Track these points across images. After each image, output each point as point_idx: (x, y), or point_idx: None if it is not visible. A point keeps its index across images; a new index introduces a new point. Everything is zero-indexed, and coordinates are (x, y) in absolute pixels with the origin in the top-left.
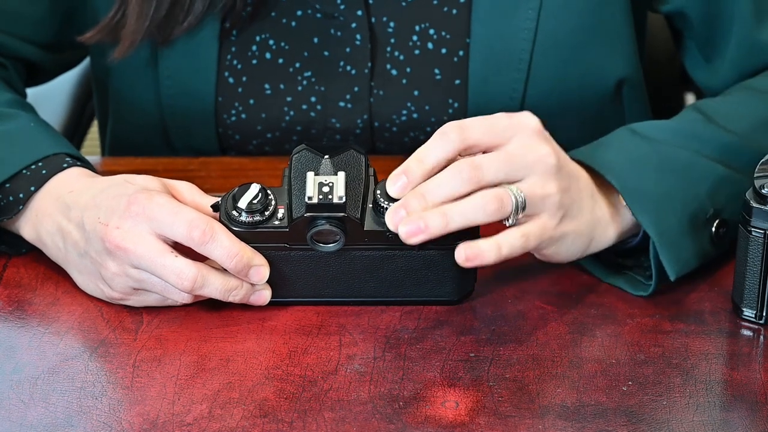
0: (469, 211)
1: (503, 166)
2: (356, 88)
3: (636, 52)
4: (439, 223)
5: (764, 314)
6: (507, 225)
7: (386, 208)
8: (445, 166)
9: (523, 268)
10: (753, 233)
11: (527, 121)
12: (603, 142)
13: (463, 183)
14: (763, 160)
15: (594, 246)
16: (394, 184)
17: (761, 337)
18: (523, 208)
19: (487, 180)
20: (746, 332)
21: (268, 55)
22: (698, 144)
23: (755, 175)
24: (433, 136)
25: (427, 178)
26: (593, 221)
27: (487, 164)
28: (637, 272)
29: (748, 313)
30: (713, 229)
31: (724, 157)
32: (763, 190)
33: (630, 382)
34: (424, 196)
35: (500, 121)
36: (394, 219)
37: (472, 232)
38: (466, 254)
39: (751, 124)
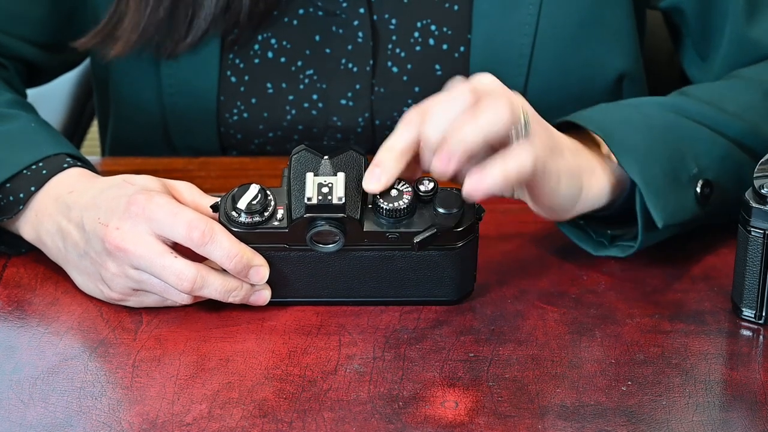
0: (465, 129)
1: (473, 119)
2: (358, 86)
3: (637, 47)
4: (461, 145)
5: (764, 314)
6: (511, 140)
7: (386, 209)
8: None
9: (523, 268)
10: (752, 233)
11: (486, 79)
12: (589, 108)
13: (413, 127)
14: (762, 160)
15: (585, 196)
16: (370, 179)
17: (761, 337)
18: (527, 124)
19: (440, 126)
20: (746, 332)
21: (270, 54)
22: (684, 112)
23: (755, 175)
24: (397, 126)
25: (401, 165)
26: (579, 167)
27: (456, 121)
28: (626, 239)
29: (748, 313)
30: (698, 189)
31: (708, 122)
32: (762, 190)
33: (629, 382)
34: (387, 147)
35: (462, 92)
36: (369, 178)
37: (472, 232)
38: (473, 181)
39: (736, 105)
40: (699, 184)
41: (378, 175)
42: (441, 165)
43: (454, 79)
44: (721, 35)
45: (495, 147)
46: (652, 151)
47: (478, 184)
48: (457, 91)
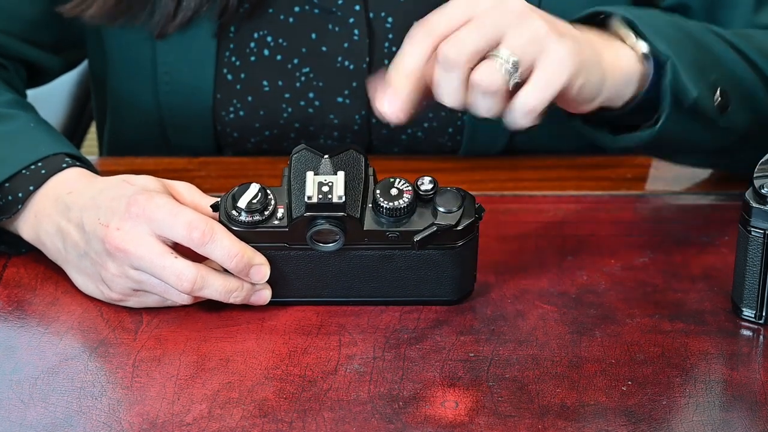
0: (479, 102)
1: (478, 32)
2: (354, 84)
3: None
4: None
5: (764, 314)
6: (510, 87)
7: (386, 208)
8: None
9: (523, 268)
10: (752, 233)
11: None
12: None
13: (428, 35)
14: (762, 160)
15: (608, 85)
16: (384, 99)
17: (761, 337)
18: (516, 66)
19: (471, 49)
20: (746, 332)
21: (266, 52)
22: (709, 27)
23: (755, 175)
24: (402, 44)
25: (414, 86)
26: (597, 54)
27: (464, 34)
28: (645, 127)
29: (748, 313)
30: (717, 95)
31: (734, 41)
32: (762, 190)
33: (630, 382)
34: (397, 66)
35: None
36: (385, 103)
37: (472, 231)
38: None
39: (760, 42)
40: (718, 92)
41: (393, 97)
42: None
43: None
44: (729, 25)
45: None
46: (681, 42)
47: (529, 115)
48: (462, 4)
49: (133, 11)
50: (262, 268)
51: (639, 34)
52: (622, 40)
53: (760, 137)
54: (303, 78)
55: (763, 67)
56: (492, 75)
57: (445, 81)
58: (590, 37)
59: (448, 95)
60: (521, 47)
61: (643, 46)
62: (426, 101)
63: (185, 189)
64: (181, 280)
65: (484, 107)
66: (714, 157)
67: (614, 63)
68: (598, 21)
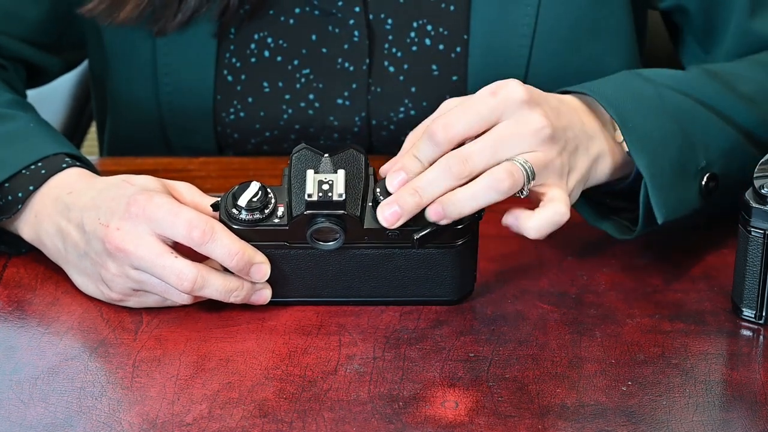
0: (480, 194)
1: (493, 151)
2: (354, 85)
3: (636, 49)
4: (454, 211)
5: (764, 314)
6: (521, 197)
7: None
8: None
9: (523, 268)
10: (752, 233)
11: (513, 94)
12: (606, 79)
13: (453, 178)
14: (762, 160)
15: (590, 182)
16: (393, 179)
17: (761, 337)
18: (533, 176)
19: (478, 169)
20: (746, 332)
21: (266, 53)
22: (700, 94)
23: (755, 175)
24: (422, 137)
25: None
26: (591, 161)
27: (476, 154)
28: (624, 216)
29: (748, 313)
30: (703, 182)
31: (720, 108)
32: (762, 190)
33: (630, 382)
34: (419, 193)
35: (485, 104)
36: (387, 213)
37: (472, 230)
38: (537, 231)
39: (753, 88)
40: (705, 177)
41: (403, 181)
42: (434, 217)
43: (482, 95)
44: (725, 29)
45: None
46: (664, 141)
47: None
48: (486, 113)
49: (160, 15)
50: (262, 267)
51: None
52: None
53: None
54: (303, 79)
55: (751, 126)
56: (514, 175)
57: (442, 182)
58: (586, 128)
59: (463, 202)
60: (536, 163)
61: (626, 144)
62: None
63: (185, 189)
64: (181, 280)
65: (484, 199)
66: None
67: (603, 166)
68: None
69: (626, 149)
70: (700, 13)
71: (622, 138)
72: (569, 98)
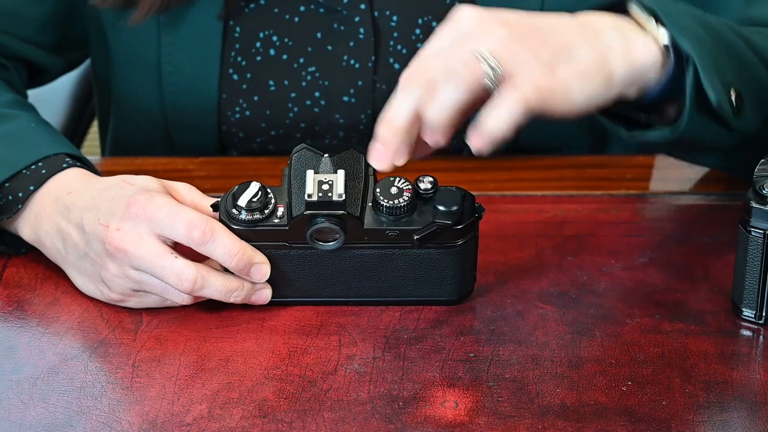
0: (446, 96)
1: (449, 47)
2: (360, 82)
3: None
4: (436, 125)
5: (764, 314)
6: (492, 89)
7: (386, 207)
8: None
9: (523, 268)
10: (753, 233)
11: (461, 15)
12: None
13: (416, 91)
14: (763, 160)
15: (616, 80)
16: (374, 157)
17: (761, 337)
18: (497, 67)
19: (439, 72)
20: (746, 332)
21: (272, 52)
22: (724, 21)
23: (755, 175)
24: (394, 95)
25: (404, 139)
26: (601, 54)
27: (430, 58)
28: (660, 127)
29: (748, 313)
30: (732, 96)
31: (751, 40)
32: (763, 191)
33: (629, 382)
34: (391, 121)
35: (441, 37)
36: (373, 156)
37: (472, 230)
38: (474, 140)
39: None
40: (732, 93)
41: (383, 154)
42: (429, 140)
43: (436, 35)
44: (722, 16)
45: (483, 98)
46: (704, 40)
47: (479, 144)
48: (446, 47)
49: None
50: (262, 267)
51: (661, 23)
52: (642, 27)
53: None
54: (309, 77)
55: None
56: (470, 63)
57: (409, 98)
58: (588, 25)
59: (430, 110)
60: (501, 51)
61: (664, 37)
62: (427, 150)
63: (185, 189)
64: (181, 280)
65: (447, 99)
66: (724, 158)
67: (625, 55)
68: (618, 10)
69: (663, 42)
70: (698, 4)
71: (655, 27)
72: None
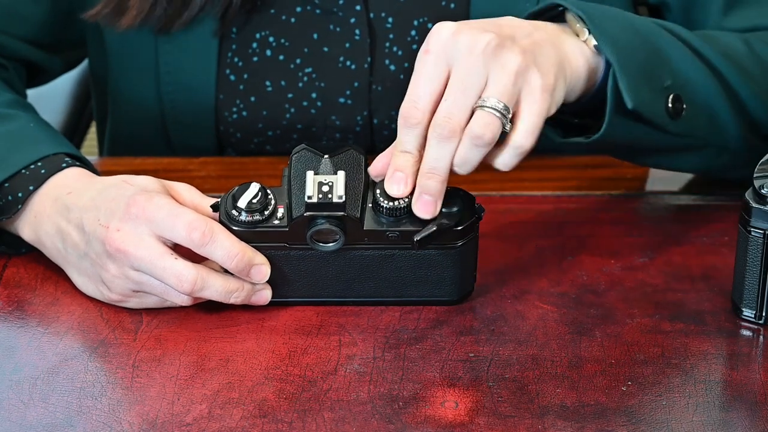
0: (470, 155)
1: (463, 96)
2: (356, 84)
3: None
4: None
5: (764, 314)
6: (507, 131)
7: (386, 208)
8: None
9: (523, 268)
10: (752, 233)
11: (441, 36)
12: None
13: (450, 141)
14: (762, 160)
15: (569, 81)
16: (393, 183)
17: (761, 337)
18: (508, 111)
19: (463, 119)
20: (746, 332)
21: (268, 52)
22: (666, 26)
23: (755, 175)
24: (399, 130)
25: (420, 164)
26: (562, 56)
27: (452, 106)
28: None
29: (748, 313)
30: (669, 102)
31: (692, 43)
32: (762, 190)
33: (629, 382)
34: (434, 173)
35: (426, 63)
36: (421, 206)
37: (472, 230)
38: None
39: (721, 44)
40: (670, 98)
41: (403, 180)
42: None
43: (419, 59)
44: (702, 26)
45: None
46: (630, 46)
47: (512, 162)
48: (431, 68)
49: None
50: (262, 268)
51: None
52: (576, 35)
53: (723, 143)
54: (305, 78)
55: (726, 73)
56: (489, 125)
57: (445, 151)
58: (550, 35)
59: (459, 166)
60: (506, 91)
61: (592, 42)
62: None
63: (185, 190)
64: (181, 281)
65: (476, 157)
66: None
67: (571, 59)
68: (553, 14)
69: (593, 43)
70: (680, 10)
71: (588, 35)
72: (519, 19)
